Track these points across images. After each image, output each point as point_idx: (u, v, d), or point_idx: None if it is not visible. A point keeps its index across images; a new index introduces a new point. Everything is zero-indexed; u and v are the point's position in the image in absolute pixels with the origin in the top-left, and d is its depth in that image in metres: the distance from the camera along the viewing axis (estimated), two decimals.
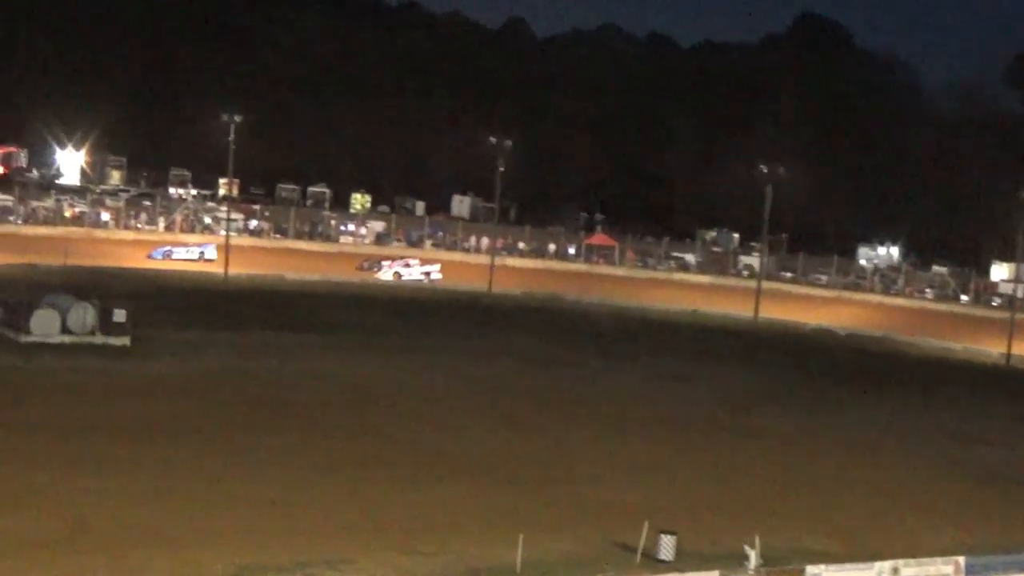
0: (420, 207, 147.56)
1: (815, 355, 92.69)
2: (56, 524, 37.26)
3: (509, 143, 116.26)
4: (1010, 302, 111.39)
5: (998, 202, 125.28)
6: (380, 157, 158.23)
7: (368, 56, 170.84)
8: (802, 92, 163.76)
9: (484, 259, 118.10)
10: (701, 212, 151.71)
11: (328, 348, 74.61)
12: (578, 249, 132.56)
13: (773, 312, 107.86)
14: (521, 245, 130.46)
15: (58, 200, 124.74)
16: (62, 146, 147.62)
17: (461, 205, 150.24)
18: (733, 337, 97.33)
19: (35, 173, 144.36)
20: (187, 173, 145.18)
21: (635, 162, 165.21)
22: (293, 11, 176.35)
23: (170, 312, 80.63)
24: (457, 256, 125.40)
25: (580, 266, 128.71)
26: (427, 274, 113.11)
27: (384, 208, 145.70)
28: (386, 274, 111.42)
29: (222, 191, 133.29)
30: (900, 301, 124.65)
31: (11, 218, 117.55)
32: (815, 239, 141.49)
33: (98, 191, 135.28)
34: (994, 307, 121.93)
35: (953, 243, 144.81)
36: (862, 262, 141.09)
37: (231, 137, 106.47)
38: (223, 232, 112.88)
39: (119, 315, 69.28)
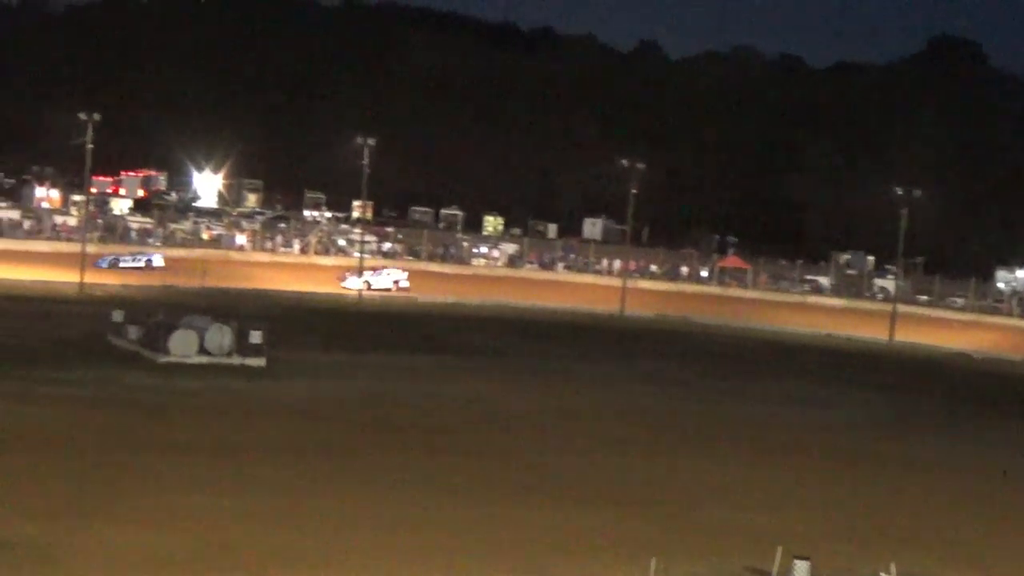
0: (552, 229, 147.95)
1: (951, 380, 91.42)
2: (196, 543, 37.83)
3: (642, 165, 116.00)
4: None
5: None
6: (512, 179, 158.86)
7: (501, 80, 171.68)
8: (939, 112, 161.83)
9: (616, 281, 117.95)
10: (835, 234, 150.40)
11: (460, 370, 75.03)
12: (711, 272, 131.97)
13: (908, 336, 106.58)
14: (653, 267, 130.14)
15: (195, 222, 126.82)
16: (200, 169, 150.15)
17: (593, 227, 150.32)
18: (867, 361, 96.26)
19: (174, 196, 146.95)
20: (322, 196, 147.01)
21: (768, 184, 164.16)
22: (427, 36, 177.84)
23: (304, 333, 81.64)
24: (589, 278, 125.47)
25: (713, 289, 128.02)
26: (396, 282, 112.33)
27: (516, 230, 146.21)
28: (355, 283, 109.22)
29: (356, 213, 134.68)
30: None
31: (150, 240, 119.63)
32: (952, 262, 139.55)
33: (234, 214, 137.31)
34: None
35: None
36: (1000, 285, 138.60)
37: (365, 160, 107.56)
38: (356, 254, 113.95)
39: (255, 336, 70.30)
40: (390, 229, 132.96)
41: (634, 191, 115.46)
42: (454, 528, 42.05)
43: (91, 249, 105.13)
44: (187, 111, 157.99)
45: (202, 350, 68.93)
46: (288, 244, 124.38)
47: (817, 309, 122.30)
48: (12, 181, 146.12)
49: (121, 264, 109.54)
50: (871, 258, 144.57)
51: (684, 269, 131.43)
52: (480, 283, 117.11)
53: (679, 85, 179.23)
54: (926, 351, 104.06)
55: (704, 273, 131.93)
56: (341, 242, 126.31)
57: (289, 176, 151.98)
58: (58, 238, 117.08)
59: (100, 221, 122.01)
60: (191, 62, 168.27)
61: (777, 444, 61.50)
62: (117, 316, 74.91)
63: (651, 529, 43.99)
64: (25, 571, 34.05)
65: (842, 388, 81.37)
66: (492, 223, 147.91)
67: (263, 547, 38.08)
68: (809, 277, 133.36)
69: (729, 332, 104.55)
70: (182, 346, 68.67)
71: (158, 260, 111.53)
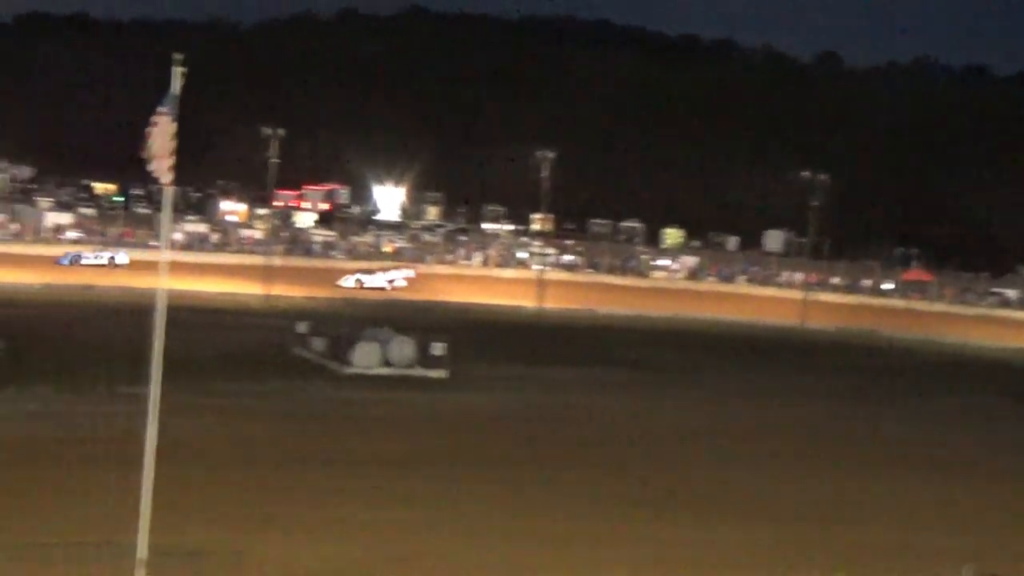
0: (733, 242, 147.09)
1: None
2: (374, 556, 38.14)
3: (824, 177, 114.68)
4: None
5: None
6: (692, 192, 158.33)
7: (681, 91, 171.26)
8: None
9: (797, 294, 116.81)
10: (1022, 246, 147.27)
11: (636, 385, 74.84)
12: (896, 284, 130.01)
13: None
14: (835, 280, 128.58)
15: (377, 235, 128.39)
16: (381, 183, 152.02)
17: (773, 240, 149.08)
18: None
19: (356, 209, 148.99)
20: (501, 209, 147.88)
21: (952, 195, 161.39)
22: (606, 50, 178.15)
23: (484, 346, 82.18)
24: (769, 291, 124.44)
25: (896, 302, 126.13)
26: (391, 281, 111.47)
27: (696, 243, 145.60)
28: (348, 282, 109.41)
29: (536, 226, 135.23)
30: None
31: (332, 252, 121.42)
32: None
33: (416, 226, 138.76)
34: None
35: None
36: None
37: (544, 173, 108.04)
38: (536, 267, 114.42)
39: (437, 348, 70.95)
40: (570, 242, 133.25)
41: (815, 203, 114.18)
42: (612, 543, 41.77)
43: (276, 262, 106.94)
44: (368, 125, 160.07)
45: (385, 362, 69.78)
46: (469, 256, 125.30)
47: (1006, 322, 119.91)
48: (199, 195, 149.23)
49: (83, 261, 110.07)
50: None
51: (866, 282, 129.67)
52: (660, 296, 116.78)
53: (861, 96, 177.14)
54: None
55: (887, 285, 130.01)
56: (521, 254, 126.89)
57: (469, 189, 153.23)
58: (243, 251, 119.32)
59: (284, 234, 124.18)
60: (373, 77, 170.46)
61: (957, 461, 60.14)
62: (301, 327, 76.15)
63: (815, 545, 43.16)
64: None
65: None
66: (672, 236, 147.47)
67: (438, 559, 38.31)
68: (996, 289, 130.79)
69: (915, 346, 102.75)
70: (365, 358, 69.63)
71: (121, 258, 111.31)
